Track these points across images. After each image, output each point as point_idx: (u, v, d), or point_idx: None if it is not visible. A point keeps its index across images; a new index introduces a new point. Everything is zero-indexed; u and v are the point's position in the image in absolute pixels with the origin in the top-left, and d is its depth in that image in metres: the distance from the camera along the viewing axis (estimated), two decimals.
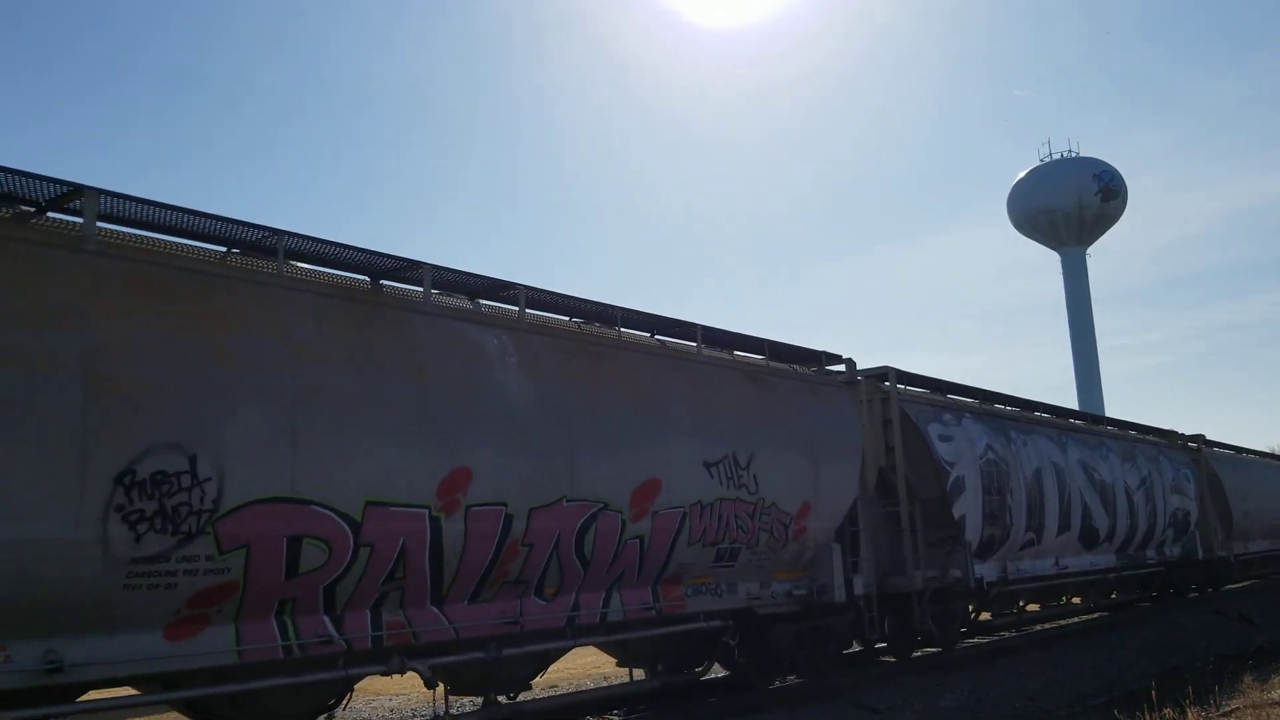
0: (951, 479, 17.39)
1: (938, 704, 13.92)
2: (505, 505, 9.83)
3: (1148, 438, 29.07)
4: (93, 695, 7.66)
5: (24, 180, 7.42)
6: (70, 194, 7.59)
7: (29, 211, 7.75)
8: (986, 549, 18.57)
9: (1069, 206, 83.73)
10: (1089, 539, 22.40)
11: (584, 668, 17.74)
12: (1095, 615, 25.44)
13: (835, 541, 14.52)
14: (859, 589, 15.01)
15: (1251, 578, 38.03)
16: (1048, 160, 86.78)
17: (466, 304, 10.76)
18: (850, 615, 15.28)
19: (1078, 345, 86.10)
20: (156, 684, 8.06)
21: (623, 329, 12.72)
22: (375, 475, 8.72)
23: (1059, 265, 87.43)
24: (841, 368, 16.27)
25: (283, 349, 8.28)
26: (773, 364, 14.80)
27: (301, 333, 8.51)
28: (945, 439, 17.69)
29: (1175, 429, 30.76)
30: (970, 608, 19.92)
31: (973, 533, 17.88)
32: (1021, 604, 22.71)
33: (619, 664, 13.64)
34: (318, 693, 8.98)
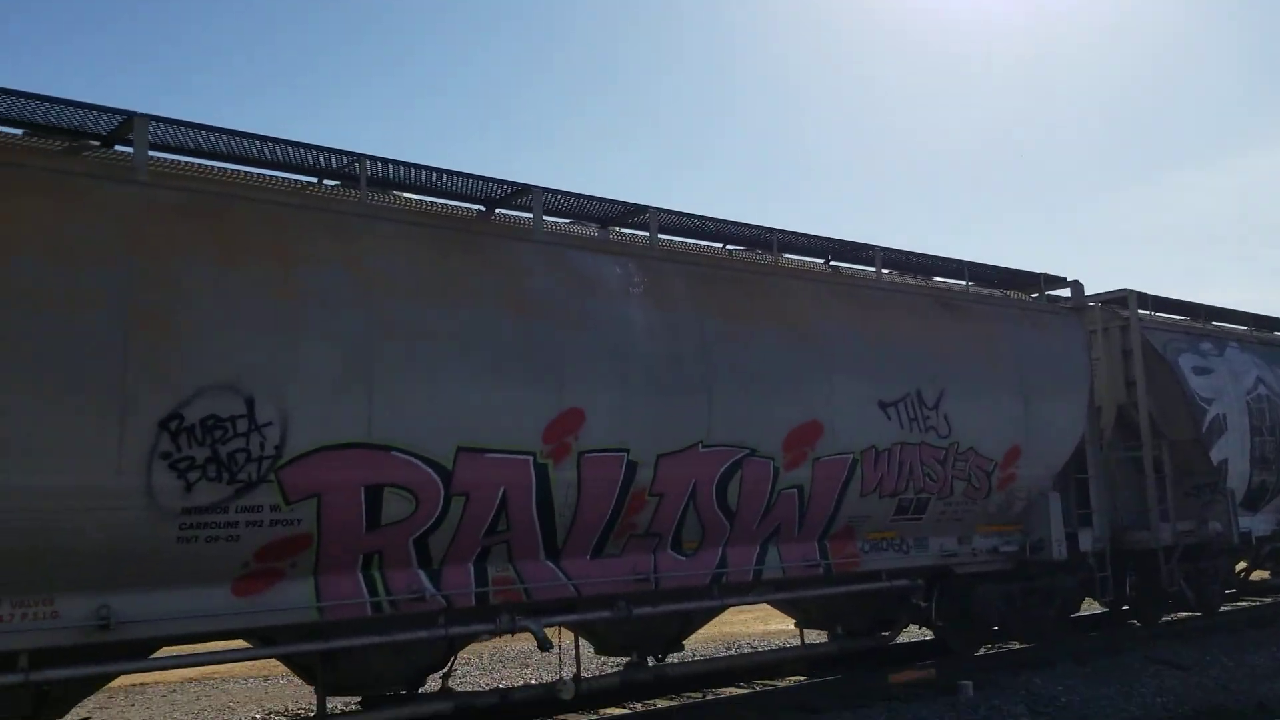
0: (1209, 418, 14.88)
1: (1247, 660, 12.72)
2: (627, 451, 8.83)
3: None
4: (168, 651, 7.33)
5: (75, 111, 7.06)
6: (123, 125, 7.17)
7: (92, 145, 7.41)
8: (1256, 498, 15.90)
9: None
10: None
11: (764, 631, 16.52)
12: None
13: (1054, 491, 12.60)
14: (1086, 544, 13.02)
15: None
16: None
17: (590, 231, 9.78)
18: (1080, 575, 13.35)
19: None
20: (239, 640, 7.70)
21: (785, 254, 11.38)
22: (469, 419, 7.94)
23: None
24: (1066, 292, 14.11)
25: (356, 280, 7.61)
26: (975, 289, 12.97)
27: (378, 262, 7.80)
28: (1202, 371, 15.14)
29: None
30: (1241, 566, 17.24)
31: (1237, 480, 15.31)
32: None
33: (797, 625, 12.43)
34: (419, 652, 8.38)
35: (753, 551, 10.06)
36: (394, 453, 7.56)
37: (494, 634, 8.43)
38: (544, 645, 8.58)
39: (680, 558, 9.52)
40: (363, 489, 7.46)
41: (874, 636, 11.81)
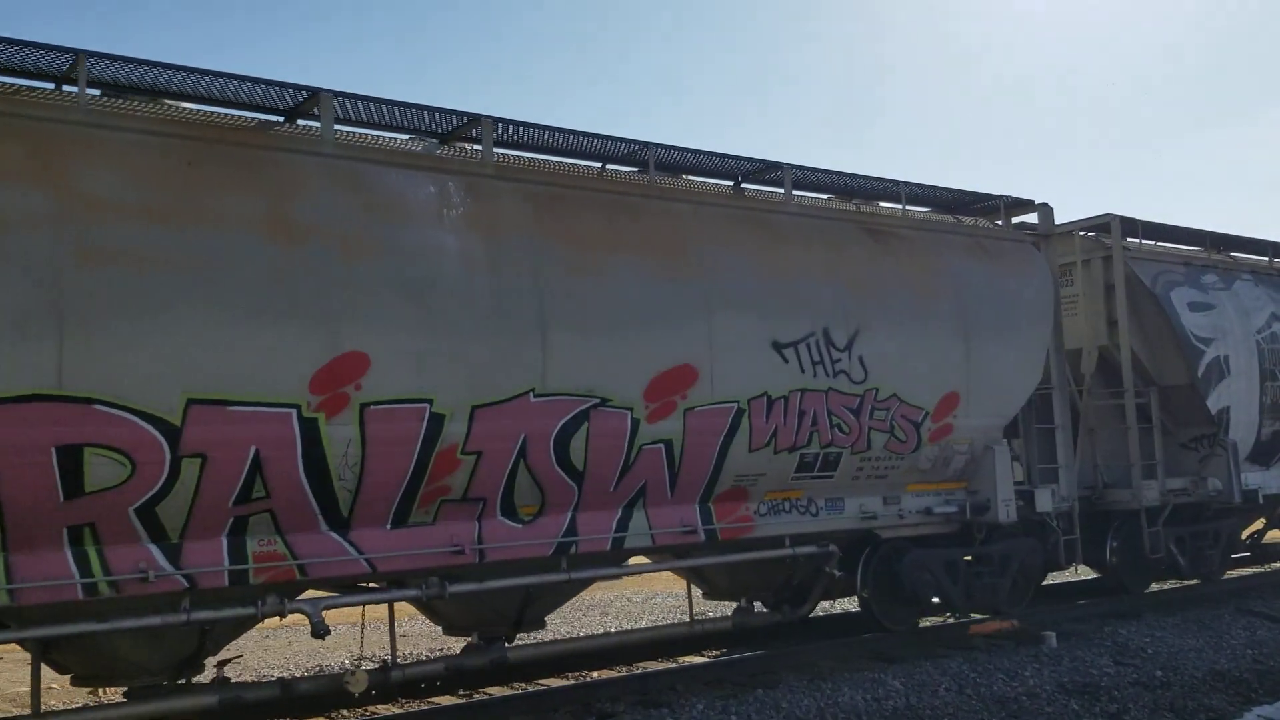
0: (1206, 360, 13.08)
1: None
2: (429, 402, 7.48)
3: None
4: None
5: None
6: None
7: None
8: (1268, 451, 14.07)
9: None
10: None
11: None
12: None
13: (1001, 443, 10.99)
14: (1046, 504, 11.39)
15: None
16: None
17: (415, 147, 8.37)
18: (1050, 538, 11.75)
19: None
20: None
21: (686, 175, 9.90)
22: (204, 365, 6.63)
23: None
24: (1032, 218, 12.36)
25: (52, 198, 6.31)
26: (913, 213, 11.31)
27: (90, 177, 6.49)
28: (1201, 308, 13.31)
29: None
30: (1254, 528, 15.42)
31: (1243, 430, 13.51)
32: None
33: (705, 597, 11.03)
34: (172, 640, 7.16)
35: (611, 517, 8.67)
36: (96, 406, 6.29)
37: (258, 617, 7.18)
38: (318, 631, 7.31)
39: (514, 525, 8.17)
40: (54, 450, 6.21)
41: (783, 610, 10.35)
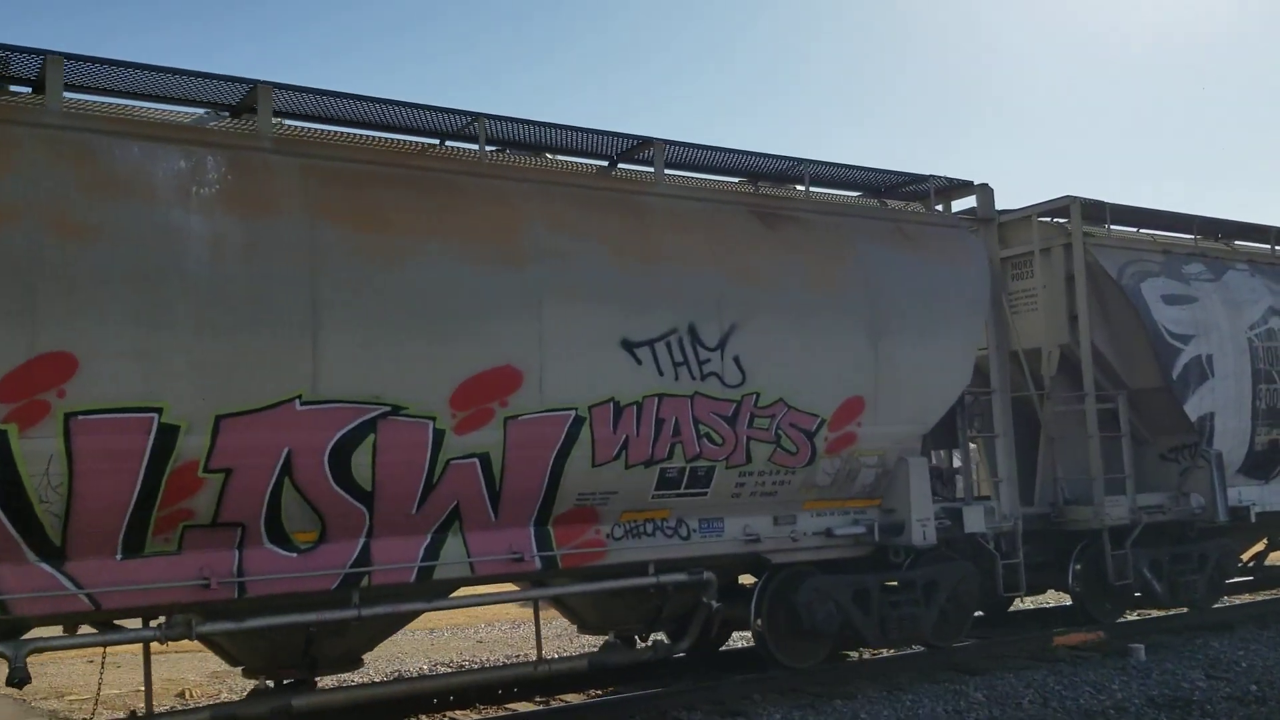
0: (1183, 360, 11.54)
1: None
2: (159, 410, 6.40)
3: None
4: None
5: None
6: None
7: None
8: (1266, 463, 12.45)
9: None
10: None
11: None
12: None
13: (918, 456, 9.61)
14: (976, 525, 9.98)
15: None
16: None
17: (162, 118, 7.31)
18: (990, 563, 10.35)
19: None
20: None
21: (549, 154, 8.78)
22: None
23: None
24: (971, 201, 10.95)
25: None
26: (819, 194, 10.01)
27: None
28: (1178, 301, 11.77)
29: None
30: (1256, 549, 13.75)
31: (1230, 439, 11.94)
32: None
33: (580, 631, 9.77)
34: None
35: (418, 544, 7.50)
36: None
37: None
38: (13, 679, 6.24)
39: (287, 555, 7.03)
40: None
41: (656, 647, 9.03)
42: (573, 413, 7.80)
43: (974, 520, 9.91)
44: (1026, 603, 13.91)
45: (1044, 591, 13.41)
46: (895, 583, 9.81)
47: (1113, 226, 12.61)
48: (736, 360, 8.55)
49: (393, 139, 8.14)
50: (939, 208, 10.89)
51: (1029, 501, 11.63)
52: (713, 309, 8.49)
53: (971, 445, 11.51)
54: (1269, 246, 13.54)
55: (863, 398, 9.20)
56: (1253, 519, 11.88)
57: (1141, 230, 12.86)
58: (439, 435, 7.30)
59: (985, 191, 10.81)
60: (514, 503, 7.74)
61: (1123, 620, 11.86)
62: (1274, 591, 14.32)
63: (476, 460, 7.48)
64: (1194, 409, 11.55)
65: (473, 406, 7.42)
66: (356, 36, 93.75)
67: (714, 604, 8.82)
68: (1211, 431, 11.71)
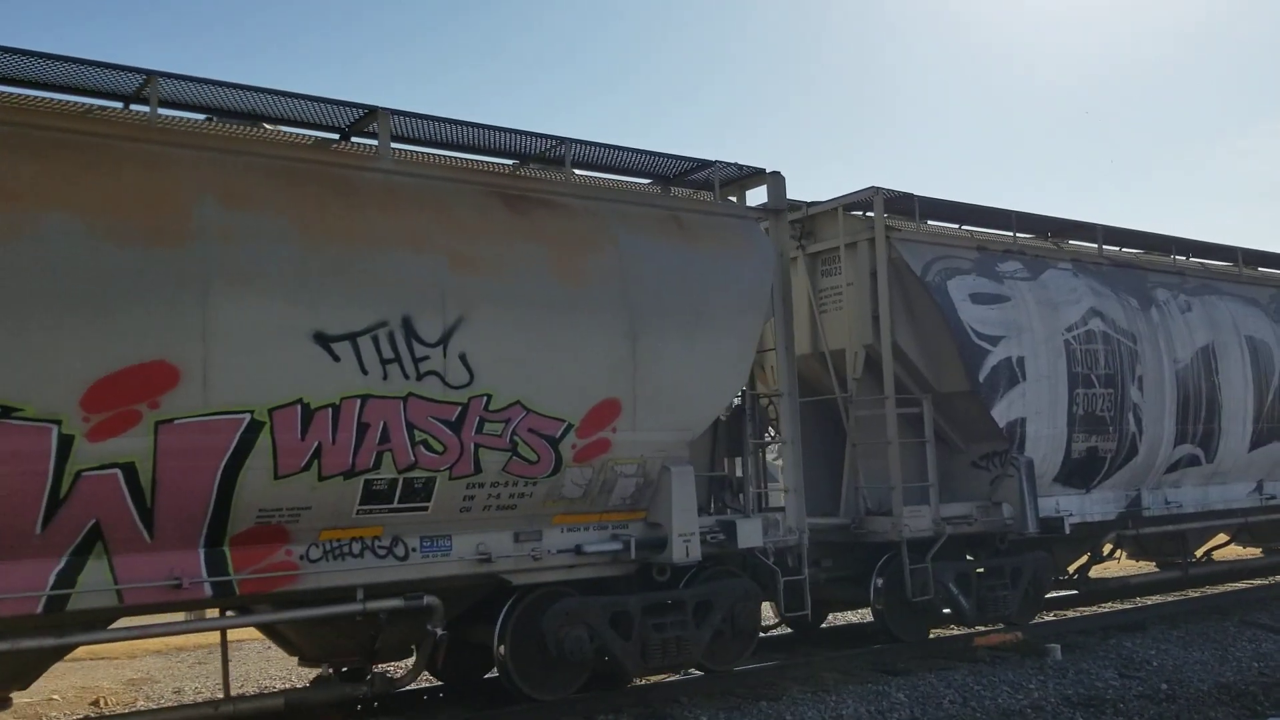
0: (992, 362, 10.88)
1: None
2: None
3: None
4: None
5: None
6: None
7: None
8: (1085, 471, 11.87)
9: None
10: None
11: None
12: None
13: (684, 465, 8.74)
14: (752, 539, 9.15)
15: None
16: None
17: None
18: (772, 579, 9.55)
19: None
20: None
21: (258, 124, 7.74)
22: None
23: None
24: (761, 193, 10.15)
25: None
26: (582, 176, 9.12)
27: None
28: (989, 300, 11.12)
29: None
30: (1078, 563, 13.18)
31: (1044, 445, 11.34)
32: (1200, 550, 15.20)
33: (300, 663, 8.69)
34: None
35: (47, 569, 6.38)
36: None
37: None
38: None
39: None
40: None
41: (373, 682, 8.00)
42: (247, 416, 6.75)
43: (749, 534, 9.07)
44: (851, 617, 13.22)
45: (856, 608, 12.70)
46: (669, 602, 8.94)
47: (933, 222, 12.02)
48: (463, 358, 7.58)
49: (22, 94, 7.02)
50: (733, 199, 10.10)
51: (834, 512, 10.92)
52: (434, 299, 7.52)
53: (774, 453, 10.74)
54: (1096, 246, 13.01)
55: (619, 401, 8.31)
56: (1067, 530, 11.26)
57: (963, 227, 12.25)
58: (66, 441, 6.20)
59: (777, 180, 10.00)
60: (173, 521, 6.66)
61: (1040, 620, 12.17)
62: (1120, 603, 13.78)
63: (118, 471, 6.39)
64: (1003, 414, 10.90)
65: (112, 409, 6.32)
66: None
67: (438, 631, 7.82)
68: (1023, 438, 11.07)
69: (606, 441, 8.28)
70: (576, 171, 9.11)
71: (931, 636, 11.15)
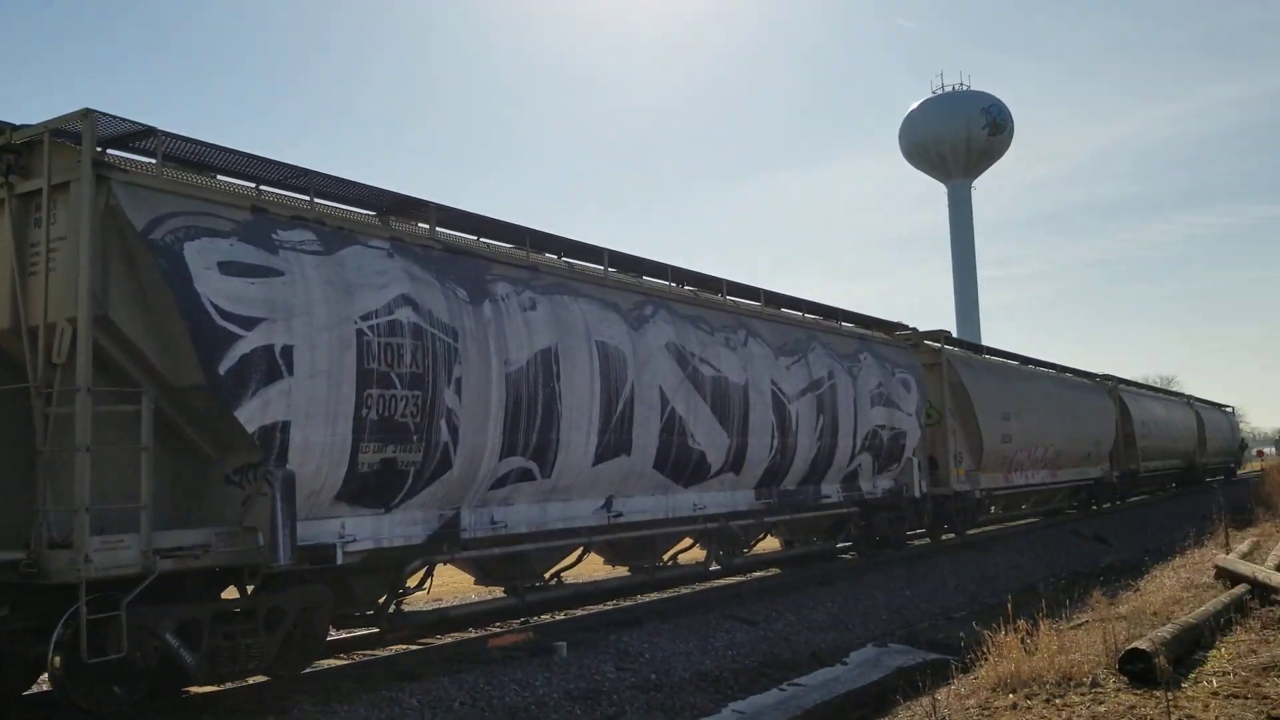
0: (240, 351, 8.66)
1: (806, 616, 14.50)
2: None
3: (873, 334, 21.14)
4: None
5: None
6: None
7: None
8: (383, 486, 10.06)
9: (957, 139, 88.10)
10: (688, 470, 14.09)
11: None
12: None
13: None
14: None
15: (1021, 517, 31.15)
16: (940, 93, 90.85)
17: None
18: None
19: (959, 276, 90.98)
20: None
21: None
22: None
23: (945, 197, 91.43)
24: None
25: None
26: None
27: None
28: (250, 272, 8.96)
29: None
30: (392, 591, 11.34)
31: (317, 457, 9.42)
32: (549, 573, 14.02)
33: None
34: None
35: None
36: None
37: None
38: None
39: None
40: None
41: None
42: None
43: None
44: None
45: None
46: None
47: (225, 179, 9.63)
48: None
49: None
50: None
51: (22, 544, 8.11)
52: None
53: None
54: (428, 228, 11.32)
55: None
56: (339, 560, 9.29)
57: (261, 189, 9.97)
58: None
59: None
60: None
61: (548, 620, 13.01)
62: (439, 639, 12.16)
63: None
64: (256, 416, 8.68)
65: None
66: None
67: None
68: (284, 446, 8.93)
69: None
70: None
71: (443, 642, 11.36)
